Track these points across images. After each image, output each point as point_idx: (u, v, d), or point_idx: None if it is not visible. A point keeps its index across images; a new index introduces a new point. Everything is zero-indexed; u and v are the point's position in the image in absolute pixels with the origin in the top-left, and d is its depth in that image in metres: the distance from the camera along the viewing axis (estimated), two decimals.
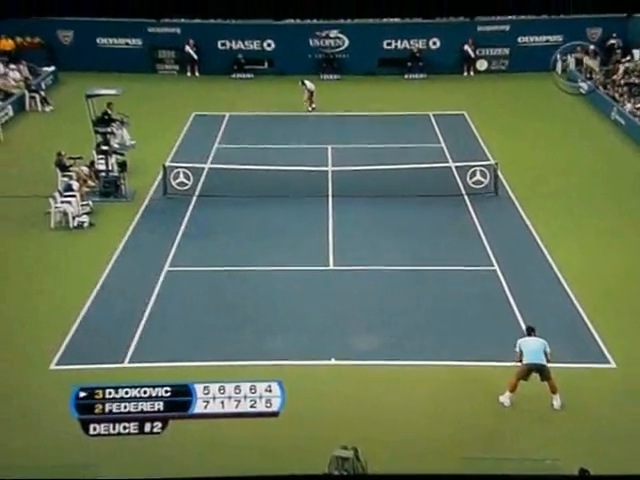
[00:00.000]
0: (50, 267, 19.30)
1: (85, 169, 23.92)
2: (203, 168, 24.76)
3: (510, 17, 36.15)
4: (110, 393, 9.75)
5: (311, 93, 32.16)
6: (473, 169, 23.86)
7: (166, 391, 9.79)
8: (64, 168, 23.56)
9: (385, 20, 36.77)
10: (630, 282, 18.39)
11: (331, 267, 19.27)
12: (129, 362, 15.46)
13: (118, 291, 18.21)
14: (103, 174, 23.62)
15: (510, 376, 14.04)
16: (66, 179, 22.99)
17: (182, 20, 36.48)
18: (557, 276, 18.64)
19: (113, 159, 23.99)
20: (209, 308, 17.46)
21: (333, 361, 15.38)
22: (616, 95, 31.69)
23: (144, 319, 16.93)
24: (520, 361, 14.03)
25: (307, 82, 32.32)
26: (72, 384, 13.88)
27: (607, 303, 17.48)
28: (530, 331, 14.40)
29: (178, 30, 37.63)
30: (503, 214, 22.35)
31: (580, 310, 17.15)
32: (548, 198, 23.18)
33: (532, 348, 13.98)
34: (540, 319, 16.57)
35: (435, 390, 14.54)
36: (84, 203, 22.06)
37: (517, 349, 14.12)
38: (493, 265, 19.18)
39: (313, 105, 32.14)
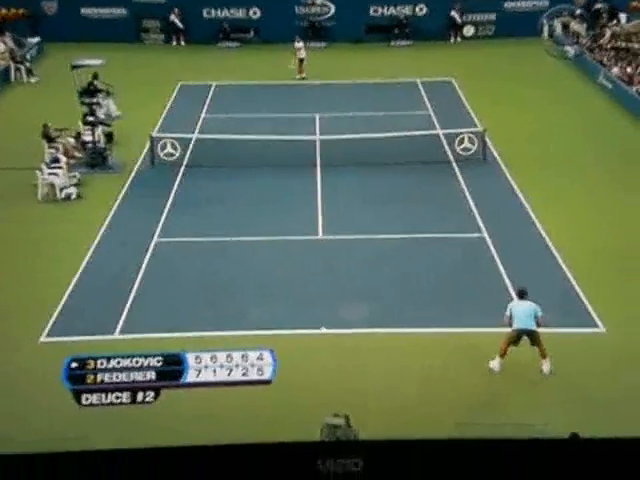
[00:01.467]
0: (38, 239, 19.11)
1: (71, 140, 23.69)
2: (190, 138, 24.53)
3: None
4: (102, 363, 9.67)
5: (301, 60, 31.84)
6: (461, 136, 23.73)
7: (158, 360, 9.72)
8: (50, 140, 23.32)
9: None
10: (617, 247, 18.34)
11: (320, 236, 19.17)
12: (119, 333, 15.36)
13: (107, 263, 18.07)
14: (90, 145, 23.39)
15: (500, 341, 14.03)
16: (52, 151, 22.77)
17: None
18: (546, 242, 18.60)
19: (99, 130, 23.79)
20: (198, 279, 17.35)
21: (323, 330, 15.32)
22: (603, 59, 31.52)
23: (134, 290, 16.82)
24: (510, 325, 13.99)
25: (298, 45, 31.91)
26: (62, 356, 13.94)
27: (596, 268, 17.44)
28: (522, 294, 14.22)
29: None
30: (491, 180, 22.27)
31: (569, 276, 17.12)
32: (536, 164, 23.09)
33: (522, 312, 13.89)
34: (529, 285, 16.43)
35: (425, 357, 14.49)
36: (71, 175, 21.85)
37: (507, 312, 14.05)
38: (482, 232, 19.11)
39: (303, 74, 31.79)
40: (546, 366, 13.98)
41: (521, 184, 21.65)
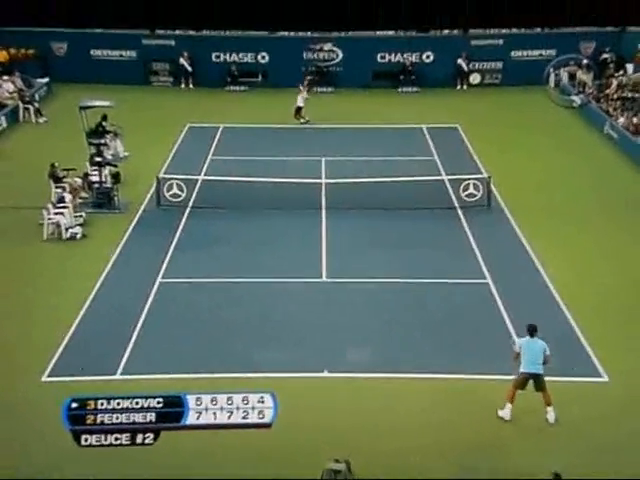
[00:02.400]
0: (42, 278, 19.25)
1: (78, 180, 23.91)
2: (197, 179, 24.75)
3: (504, 31, 36.46)
4: (102, 404, 9.69)
5: (298, 108, 32.11)
6: (466, 182, 23.92)
7: (158, 402, 9.74)
8: (57, 180, 23.55)
9: (379, 33, 37.07)
10: (622, 296, 18.42)
11: (324, 279, 19.26)
12: (121, 374, 15.41)
13: (111, 303, 18.16)
14: (96, 185, 23.61)
15: (507, 387, 14.03)
16: (59, 190, 22.97)
17: (176, 32, 36.70)
18: (550, 290, 18.65)
19: (106, 171, 24.01)
20: (202, 320, 17.42)
21: (326, 373, 15.35)
22: (609, 109, 31.80)
23: (136, 331, 16.89)
24: (517, 359, 13.87)
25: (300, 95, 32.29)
26: (64, 396, 13.98)
27: (599, 317, 17.49)
28: (533, 332, 13.89)
29: (172, 42, 37.74)
30: (496, 227, 22.39)
31: (573, 324, 17.16)
32: (541, 211, 23.23)
33: (533, 354, 13.67)
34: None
35: (429, 402, 14.51)
36: (77, 214, 22.03)
37: (517, 347, 13.93)
38: (486, 278, 19.19)
39: (302, 119, 32.03)
40: (551, 415, 13.94)
41: (526, 231, 21.77)
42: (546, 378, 13.98)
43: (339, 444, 12.50)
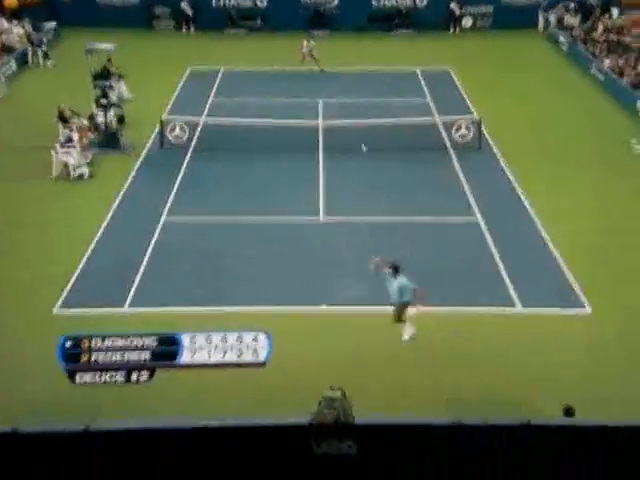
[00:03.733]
0: (51, 216, 19.07)
1: (85, 122, 23.56)
2: (199, 122, 24.40)
3: None
4: (97, 342, 9.41)
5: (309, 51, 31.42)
6: (458, 123, 23.61)
7: (153, 341, 9.48)
8: (65, 121, 23.20)
9: None
10: (610, 234, 18.27)
11: (321, 218, 19.11)
12: (129, 306, 15.35)
13: (117, 239, 18.03)
14: (102, 127, 23.28)
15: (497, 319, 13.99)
16: (67, 131, 22.64)
17: None
18: (538, 228, 18.53)
19: (112, 112, 23.65)
20: (205, 256, 17.31)
21: (324, 307, 15.30)
22: (596, 51, 31.32)
23: (143, 266, 16.79)
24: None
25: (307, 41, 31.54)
26: (75, 328, 13.95)
27: (586, 254, 17.37)
28: (394, 270, 14.11)
29: None
30: (487, 168, 22.15)
31: (560, 261, 17.04)
32: (530, 152, 23.00)
33: (390, 289, 14.03)
34: (521, 269, 16.65)
35: (422, 336, 14.45)
36: (85, 154, 21.76)
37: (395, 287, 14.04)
38: (476, 217, 19.05)
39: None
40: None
41: (516, 172, 21.56)
42: (532, 309, 13.88)
43: (336, 375, 12.45)
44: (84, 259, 17.04)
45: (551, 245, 17.67)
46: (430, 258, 17.24)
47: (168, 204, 19.68)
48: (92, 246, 17.61)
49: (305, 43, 31.65)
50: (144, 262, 16.96)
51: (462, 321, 14.90)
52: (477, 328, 14.64)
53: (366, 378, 13.09)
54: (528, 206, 19.56)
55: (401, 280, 14.03)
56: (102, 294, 15.68)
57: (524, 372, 13.50)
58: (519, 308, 15.33)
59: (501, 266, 16.72)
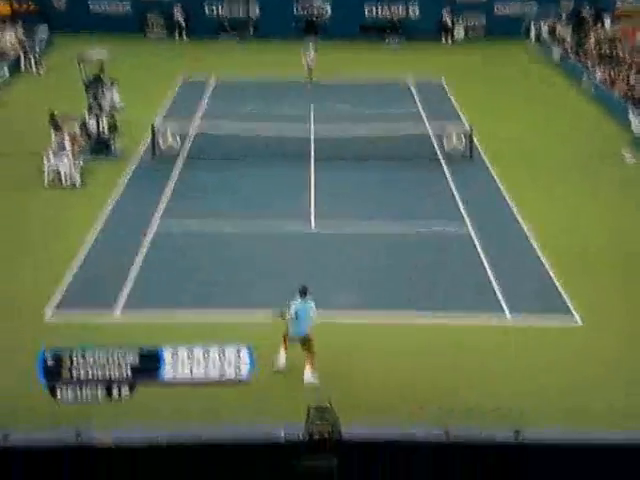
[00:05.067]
0: (44, 223, 19.05)
1: (77, 129, 23.52)
2: (190, 130, 24.41)
3: None
4: (77, 358, 9.17)
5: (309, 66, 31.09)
6: (449, 133, 23.69)
7: (134, 356, 9.24)
8: (57, 127, 23.16)
9: None
10: (602, 243, 18.31)
11: (312, 227, 19.12)
12: (120, 313, 15.31)
13: (109, 246, 18.00)
14: (94, 134, 23.27)
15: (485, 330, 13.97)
16: (59, 138, 22.61)
17: None
18: (527, 237, 18.57)
19: (104, 119, 23.63)
20: (194, 264, 17.27)
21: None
22: (587, 63, 31.45)
23: (134, 273, 16.75)
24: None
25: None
26: (66, 333, 13.89)
27: (577, 264, 17.35)
28: (303, 293, 13.20)
29: None
30: (477, 177, 22.24)
31: (550, 271, 17.06)
32: (520, 162, 23.09)
33: (305, 315, 13.01)
34: (510, 277, 16.68)
35: (411, 344, 14.45)
36: (76, 162, 21.72)
37: (292, 313, 13.00)
38: (467, 226, 19.08)
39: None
40: (308, 374, 13.14)
41: (505, 181, 21.65)
42: (521, 319, 13.94)
43: (322, 384, 12.42)
44: (76, 266, 16.98)
45: (541, 254, 17.69)
46: (421, 267, 17.24)
47: (159, 211, 19.66)
48: (84, 253, 17.56)
49: (307, 53, 31.25)
50: (135, 269, 16.92)
51: (452, 330, 14.88)
52: (467, 337, 14.61)
53: (351, 387, 13.04)
54: (518, 215, 19.61)
55: (312, 304, 13.18)
56: (93, 301, 15.61)
57: (513, 382, 13.50)
58: (508, 318, 15.32)
59: (491, 275, 16.74)
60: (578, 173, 22.32)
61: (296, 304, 13.11)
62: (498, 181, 21.77)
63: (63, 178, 21.06)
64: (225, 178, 21.75)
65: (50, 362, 9.18)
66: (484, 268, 17.11)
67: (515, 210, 19.93)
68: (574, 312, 15.50)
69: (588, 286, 16.44)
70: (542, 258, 17.55)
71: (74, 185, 21.11)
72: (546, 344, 14.53)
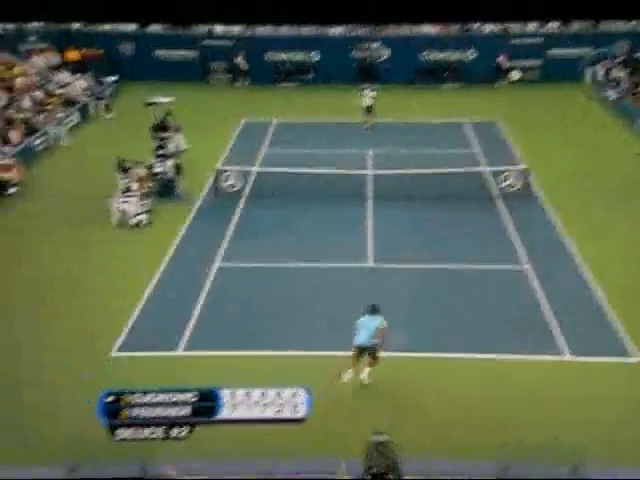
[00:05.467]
0: (111, 262, 19.52)
1: (144, 171, 24.17)
2: (251, 171, 24.88)
3: (542, 31, 36.13)
4: (137, 398, 9.28)
5: (368, 108, 30.73)
6: (506, 174, 23.70)
7: (193, 396, 9.35)
8: (125, 170, 23.83)
9: (424, 30, 37.09)
10: None
11: (370, 264, 19.25)
12: (183, 350, 15.60)
13: (173, 284, 18.38)
14: (160, 176, 23.88)
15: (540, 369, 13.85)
16: (126, 180, 23.25)
17: (234, 32, 37.07)
18: (586, 278, 18.40)
19: (169, 162, 24.24)
20: (256, 303, 17.52)
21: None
22: None
23: (197, 311, 17.07)
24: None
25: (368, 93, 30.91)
26: (132, 370, 14.20)
27: (636, 305, 17.18)
28: (372, 310, 14.30)
29: (230, 43, 37.94)
30: (534, 217, 22.10)
31: (608, 310, 16.89)
32: (578, 202, 22.93)
33: (366, 329, 14.07)
34: (569, 317, 16.52)
35: (469, 384, 14.43)
36: (143, 203, 22.29)
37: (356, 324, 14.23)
38: (524, 265, 19.00)
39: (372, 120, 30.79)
40: (365, 374, 14.25)
41: (563, 221, 21.51)
42: (580, 359, 13.80)
43: (378, 421, 12.45)
44: (141, 304, 17.39)
45: (599, 293, 17.53)
46: (479, 306, 17.22)
47: (222, 250, 20.04)
48: (149, 291, 17.98)
49: (366, 92, 30.79)
50: (198, 307, 17.25)
51: (510, 371, 14.82)
52: (525, 377, 14.53)
53: (402, 424, 13.08)
54: (577, 256, 19.46)
55: (380, 320, 14.17)
56: (157, 339, 15.95)
57: (570, 420, 13.38)
58: (567, 357, 15.19)
59: (549, 315, 16.63)
60: (636, 213, 22.08)
61: (362, 319, 14.24)
62: (555, 220, 21.64)
63: (130, 218, 21.60)
64: (284, 217, 22.02)
65: (110, 401, 9.30)
66: (541, 308, 17.03)
67: (574, 251, 19.75)
68: (633, 351, 15.31)
69: None
70: (600, 296, 17.39)
71: (140, 225, 21.63)
72: (605, 383, 14.37)
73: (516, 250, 19.85)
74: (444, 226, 21.39)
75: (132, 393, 9.27)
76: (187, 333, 16.17)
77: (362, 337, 14.06)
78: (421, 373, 14.70)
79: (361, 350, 14.08)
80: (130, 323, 16.59)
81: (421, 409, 13.66)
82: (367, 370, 14.27)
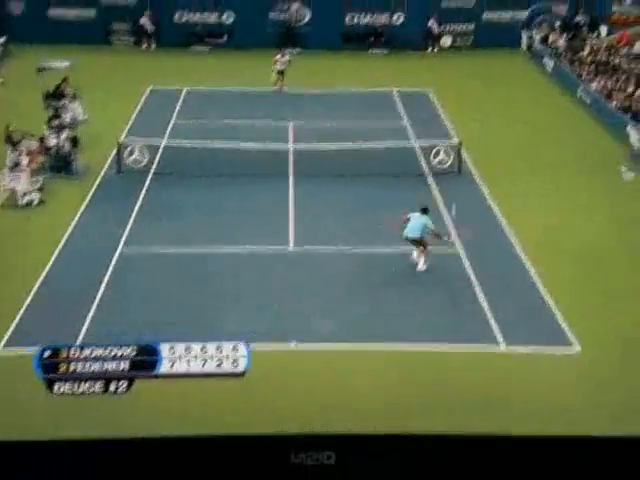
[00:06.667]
0: None
1: (35, 144, 23.44)
2: (159, 144, 24.41)
3: None
4: (75, 352, 9.83)
5: (280, 72, 31.26)
6: (437, 148, 23.82)
7: (132, 350, 9.89)
8: (13, 143, 23.06)
9: None
10: (598, 262, 18.48)
11: (291, 248, 19.11)
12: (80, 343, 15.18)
13: (69, 272, 17.89)
14: (54, 150, 23.21)
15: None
16: (15, 154, 22.52)
17: None
18: (520, 255, 18.67)
19: (65, 134, 23.59)
20: (163, 290, 17.22)
21: (294, 345, 15.20)
22: (582, 73, 31.75)
23: (96, 301, 16.64)
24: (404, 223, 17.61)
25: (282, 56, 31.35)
26: (21, 368, 13.74)
27: (570, 283, 17.55)
28: (423, 210, 17.85)
29: (133, 1, 37.21)
30: (466, 193, 22.26)
31: (542, 290, 17.18)
32: (511, 176, 23.27)
33: (412, 223, 17.52)
34: (502, 298, 16.79)
35: (396, 371, 14.47)
36: (34, 180, 21.62)
37: (407, 216, 17.66)
38: (455, 246, 19.14)
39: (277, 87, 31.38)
40: (421, 262, 17.75)
41: (496, 196, 21.81)
42: (516, 347, 14.01)
43: (305, 412, 12.39)
44: (32, 293, 16.84)
45: (534, 275, 17.79)
46: (407, 289, 17.28)
47: (125, 234, 19.58)
48: (41, 279, 17.44)
49: (279, 57, 31.34)
50: (97, 297, 16.81)
51: (438, 355, 14.91)
52: (458, 365, 14.64)
53: (336, 419, 13.02)
54: (509, 232, 19.73)
55: (425, 220, 17.56)
56: (51, 332, 15.42)
57: (506, 411, 13.52)
58: (502, 346, 15.35)
59: (480, 293, 16.83)
60: (572, 186, 22.57)
61: (413, 214, 17.72)
62: (488, 197, 21.90)
63: (19, 197, 20.95)
64: (195, 196, 21.73)
65: (47, 356, 9.77)
66: (473, 288, 17.21)
67: (506, 227, 20.06)
68: (572, 339, 15.58)
69: (585, 309, 16.58)
70: (533, 276, 17.73)
71: (30, 205, 20.99)
72: (542, 372, 14.59)
73: (446, 229, 19.91)
74: (371, 205, 21.34)
75: (70, 347, 9.90)
76: (83, 330, 15.62)
77: (408, 230, 17.50)
78: (348, 364, 14.64)
79: (409, 240, 17.56)
80: (19, 316, 16.00)
81: (347, 402, 13.61)
82: (422, 259, 17.69)
